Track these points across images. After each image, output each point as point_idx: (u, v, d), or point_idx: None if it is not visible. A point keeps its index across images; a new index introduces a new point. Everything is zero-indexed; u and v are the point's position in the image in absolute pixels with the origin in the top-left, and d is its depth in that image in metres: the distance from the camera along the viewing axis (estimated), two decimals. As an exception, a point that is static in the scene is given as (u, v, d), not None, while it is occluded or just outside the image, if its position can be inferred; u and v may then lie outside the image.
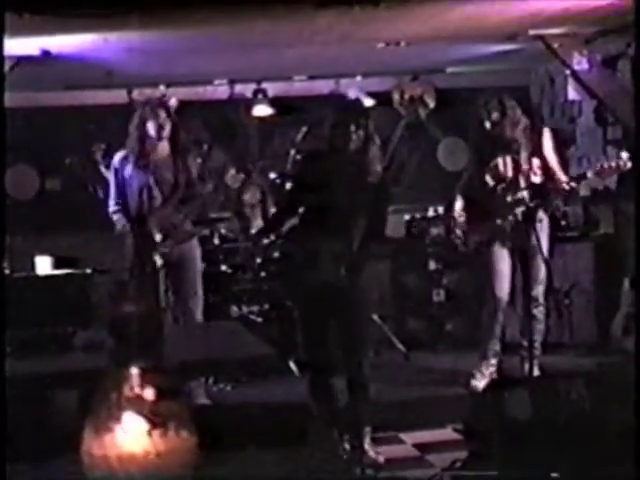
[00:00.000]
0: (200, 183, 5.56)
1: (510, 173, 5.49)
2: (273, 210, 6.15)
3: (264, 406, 4.68)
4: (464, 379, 5.67)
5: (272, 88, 7.67)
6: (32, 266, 6.88)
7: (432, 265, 7.47)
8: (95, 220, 5.63)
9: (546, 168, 5.45)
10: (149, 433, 1.48)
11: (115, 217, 5.40)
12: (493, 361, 5.64)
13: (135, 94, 7.09)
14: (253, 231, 7.03)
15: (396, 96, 7.76)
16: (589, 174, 5.28)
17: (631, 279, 6.10)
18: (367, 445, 4.59)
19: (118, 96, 7.19)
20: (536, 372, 5.30)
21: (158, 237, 5.26)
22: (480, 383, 5.60)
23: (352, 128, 4.43)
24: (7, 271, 6.37)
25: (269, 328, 6.42)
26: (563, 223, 6.92)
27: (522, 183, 5.42)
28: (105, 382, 1.51)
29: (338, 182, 4.43)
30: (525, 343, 5.46)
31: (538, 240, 5.12)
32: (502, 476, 3.57)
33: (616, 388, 3.79)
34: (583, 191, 6.76)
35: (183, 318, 5.36)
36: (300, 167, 5.70)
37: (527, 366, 5.30)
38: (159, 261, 5.23)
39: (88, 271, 6.83)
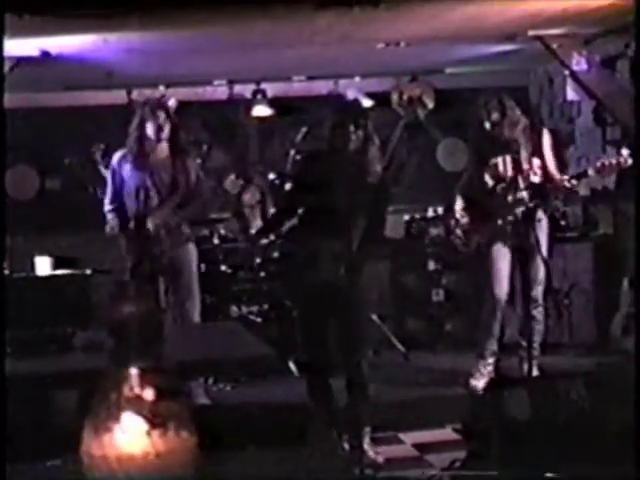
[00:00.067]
0: (199, 184, 5.55)
1: (510, 173, 5.49)
2: (272, 210, 6.16)
3: (264, 406, 4.67)
4: (463, 379, 5.68)
5: (271, 88, 7.67)
6: (32, 266, 6.89)
7: (431, 265, 7.48)
8: (95, 220, 5.62)
9: (545, 168, 5.46)
10: (149, 433, 1.48)
11: (108, 217, 5.41)
12: (490, 360, 5.65)
13: (135, 95, 7.10)
14: (253, 231, 7.04)
15: (395, 97, 7.76)
16: (590, 171, 5.28)
17: (630, 279, 6.09)
18: (366, 445, 4.59)
19: (118, 97, 7.20)
20: (535, 372, 5.30)
21: (153, 238, 5.26)
22: (479, 382, 5.61)
23: (351, 128, 4.44)
24: (7, 271, 6.37)
25: (268, 328, 6.42)
26: (562, 223, 6.93)
27: (522, 183, 5.42)
28: (105, 382, 1.51)
29: (337, 182, 4.44)
30: (524, 343, 5.45)
31: (537, 240, 5.13)
32: (501, 476, 3.56)
33: (616, 388, 3.78)
34: (582, 191, 6.77)
35: (180, 320, 5.37)
36: (299, 167, 5.71)
37: (526, 366, 5.30)
38: (155, 263, 5.24)
39: (88, 271, 6.84)
